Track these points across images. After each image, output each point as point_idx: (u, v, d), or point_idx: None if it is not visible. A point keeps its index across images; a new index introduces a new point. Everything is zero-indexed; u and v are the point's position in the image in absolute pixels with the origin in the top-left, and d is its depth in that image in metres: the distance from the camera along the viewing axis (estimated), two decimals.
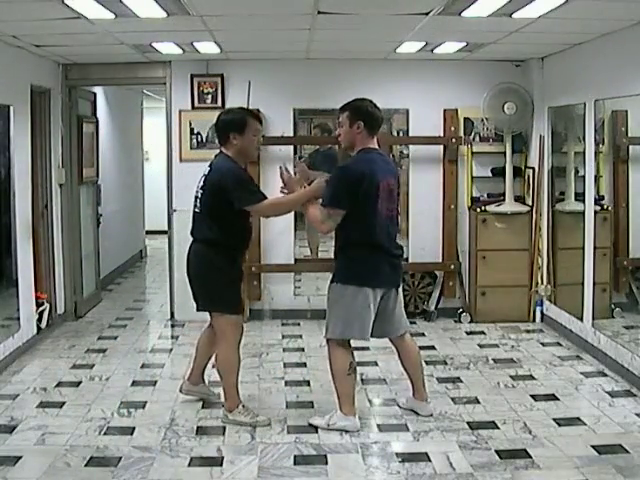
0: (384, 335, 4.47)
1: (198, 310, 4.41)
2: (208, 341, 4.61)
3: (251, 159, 4.46)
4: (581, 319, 5.83)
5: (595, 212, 5.69)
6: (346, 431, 4.19)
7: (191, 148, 6.74)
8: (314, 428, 4.28)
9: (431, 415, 4.43)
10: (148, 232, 10.83)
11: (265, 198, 4.20)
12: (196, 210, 4.29)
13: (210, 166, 4.28)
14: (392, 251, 4.25)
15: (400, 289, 4.43)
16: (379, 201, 4.09)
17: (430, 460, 3.85)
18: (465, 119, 6.82)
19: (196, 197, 4.29)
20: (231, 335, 4.34)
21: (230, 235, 4.24)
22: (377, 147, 4.24)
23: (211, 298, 4.33)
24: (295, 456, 3.92)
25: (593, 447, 3.97)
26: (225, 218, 4.20)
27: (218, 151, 4.36)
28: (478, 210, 6.72)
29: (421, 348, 5.95)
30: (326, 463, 3.84)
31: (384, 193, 4.11)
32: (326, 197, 4.09)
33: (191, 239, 4.36)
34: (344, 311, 4.18)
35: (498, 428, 4.28)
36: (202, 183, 4.26)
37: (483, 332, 6.46)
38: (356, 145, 4.18)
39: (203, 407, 4.66)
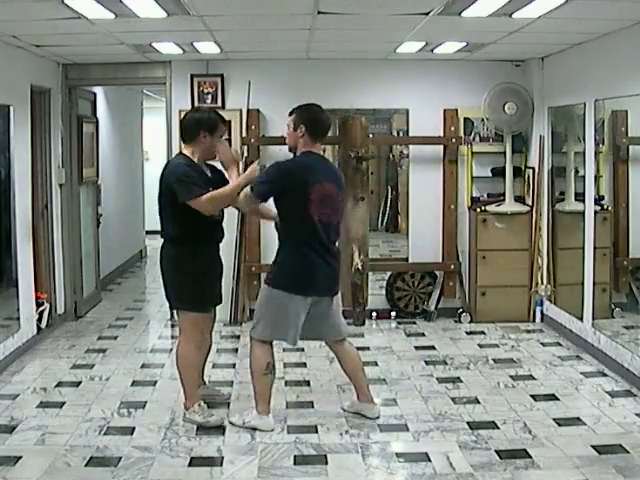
0: (317, 338, 4.51)
1: (170, 308, 4.43)
2: None
3: (209, 158, 4.43)
4: (581, 319, 5.83)
5: (595, 212, 5.69)
6: (260, 430, 4.20)
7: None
8: (314, 428, 4.28)
9: (378, 417, 4.38)
10: (148, 232, 10.81)
11: (204, 193, 4.14)
12: (158, 209, 4.34)
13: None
14: (327, 258, 4.18)
15: (338, 296, 4.37)
16: (310, 205, 4.05)
17: (430, 460, 3.85)
18: (465, 119, 6.82)
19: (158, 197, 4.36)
20: (191, 333, 4.34)
21: (189, 231, 4.24)
22: (320, 153, 4.25)
23: (173, 295, 4.37)
24: (295, 456, 3.92)
25: (593, 447, 3.97)
26: (181, 215, 4.19)
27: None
28: (478, 210, 6.72)
29: (421, 348, 6.00)
30: (326, 463, 3.84)
31: (318, 197, 4.06)
32: (256, 183, 4.12)
33: None
34: (274, 315, 4.17)
35: (498, 428, 4.28)
36: (159, 182, 4.31)
37: (483, 332, 6.47)
38: (298, 148, 4.20)
39: None
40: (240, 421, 4.30)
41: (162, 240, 4.37)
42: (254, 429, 4.22)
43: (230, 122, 6.69)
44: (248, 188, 4.13)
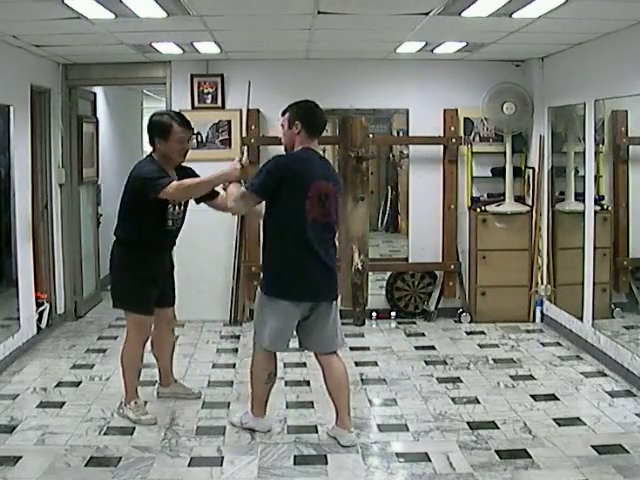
0: (307, 349, 4.26)
1: (113, 306, 4.50)
2: (157, 341, 4.65)
3: (176, 164, 4.38)
4: (581, 319, 5.83)
5: (595, 212, 5.69)
6: (258, 431, 4.19)
7: (191, 148, 6.72)
8: (314, 428, 4.29)
9: (353, 446, 4.01)
10: None
11: (172, 181, 4.12)
12: (118, 209, 4.38)
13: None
14: (323, 260, 3.95)
15: (335, 306, 4.11)
16: (308, 203, 3.87)
17: (430, 460, 3.85)
18: (465, 119, 6.82)
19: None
20: (134, 333, 4.39)
21: (139, 236, 4.29)
22: (318, 151, 4.08)
23: (118, 295, 4.42)
24: (295, 456, 3.92)
25: (593, 447, 3.97)
26: (135, 218, 4.24)
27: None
28: (478, 210, 6.72)
29: (421, 348, 5.99)
30: (326, 463, 3.84)
31: (316, 196, 3.89)
32: (252, 181, 3.96)
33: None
34: (268, 322, 3.99)
35: (498, 428, 4.28)
36: (125, 182, 4.34)
37: (483, 332, 6.46)
38: (295, 147, 4.02)
39: (203, 407, 4.66)
40: (238, 422, 4.29)
41: (114, 239, 4.42)
42: (252, 430, 4.21)
43: (230, 122, 6.73)
44: (242, 188, 3.98)
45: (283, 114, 4.07)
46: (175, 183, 4.11)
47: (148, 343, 4.55)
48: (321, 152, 4.19)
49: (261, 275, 4.13)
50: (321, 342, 4.10)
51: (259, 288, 4.11)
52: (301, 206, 3.87)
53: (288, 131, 4.02)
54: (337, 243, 4.20)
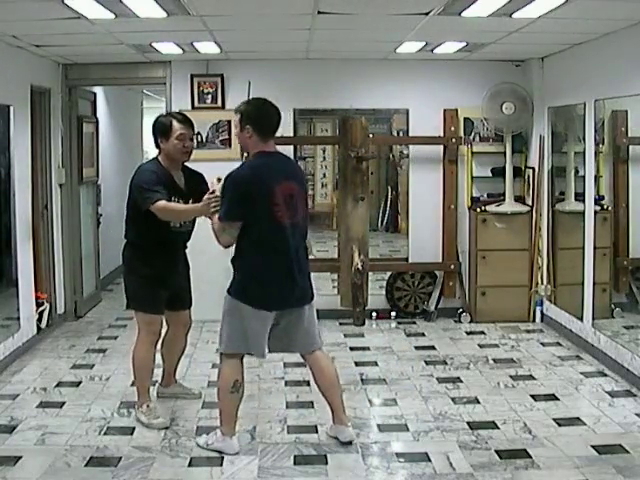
0: (285, 350, 4.18)
1: (127, 307, 4.61)
2: (169, 342, 4.68)
3: (179, 162, 4.37)
4: (581, 319, 5.83)
5: (595, 212, 5.69)
6: (225, 453, 3.93)
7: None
8: (314, 428, 4.28)
9: (351, 442, 4.03)
10: None
11: (162, 199, 4.10)
12: (125, 211, 4.43)
13: None
14: (294, 266, 3.84)
15: (313, 304, 4.05)
16: (276, 208, 3.76)
17: (430, 460, 3.85)
18: (465, 119, 6.82)
19: None
20: (144, 333, 4.44)
21: (144, 237, 4.33)
22: (274, 150, 3.91)
23: (129, 295, 4.51)
24: (295, 456, 3.92)
25: (593, 447, 3.97)
26: (140, 220, 4.26)
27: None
28: (478, 210, 6.72)
29: (421, 348, 5.99)
30: (326, 463, 3.84)
31: (282, 199, 3.78)
32: (220, 211, 3.81)
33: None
34: (237, 327, 3.87)
35: (498, 428, 4.28)
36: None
37: (483, 332, 6.47)
38: (250, 150, 3.90)
39: (203, 407, 4.66)
40: (204, 443, 4.03)
41: (125, 241, 4.46)
42: (219, 452, 3.95)
43: (230, 122, 6.72)
44: (220, 224, 3.80)
45: (235, 113, 3.90)
46: (161, 203, 4.09)
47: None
48: (275, 148, 3.95)
49: (232, 281, 3.94)
50: (299, 342, 4.05)
51: (227, 293, 3.94)
52: (272, 214, 3.77)
53: (240, 134, 3.87)
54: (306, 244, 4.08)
